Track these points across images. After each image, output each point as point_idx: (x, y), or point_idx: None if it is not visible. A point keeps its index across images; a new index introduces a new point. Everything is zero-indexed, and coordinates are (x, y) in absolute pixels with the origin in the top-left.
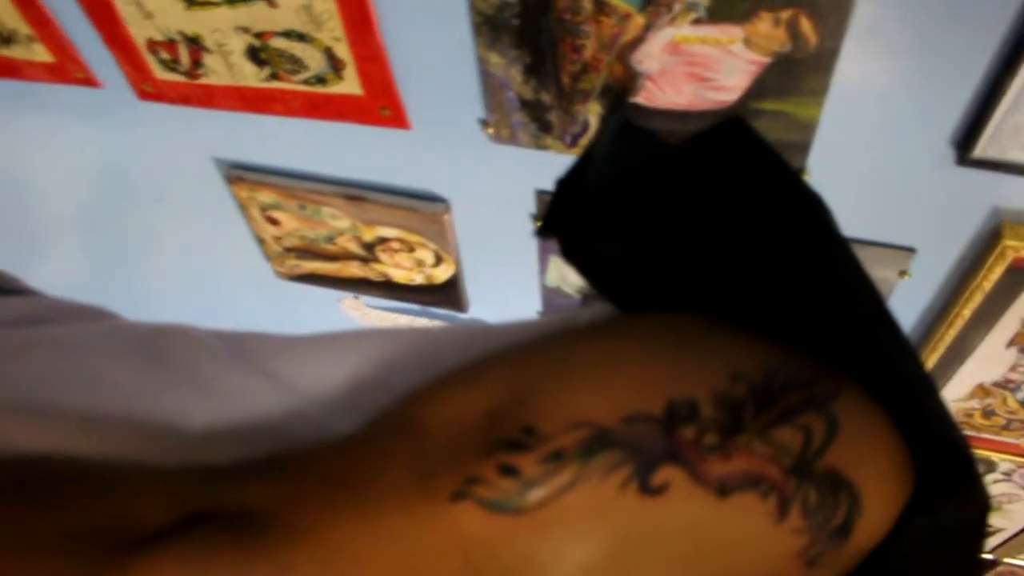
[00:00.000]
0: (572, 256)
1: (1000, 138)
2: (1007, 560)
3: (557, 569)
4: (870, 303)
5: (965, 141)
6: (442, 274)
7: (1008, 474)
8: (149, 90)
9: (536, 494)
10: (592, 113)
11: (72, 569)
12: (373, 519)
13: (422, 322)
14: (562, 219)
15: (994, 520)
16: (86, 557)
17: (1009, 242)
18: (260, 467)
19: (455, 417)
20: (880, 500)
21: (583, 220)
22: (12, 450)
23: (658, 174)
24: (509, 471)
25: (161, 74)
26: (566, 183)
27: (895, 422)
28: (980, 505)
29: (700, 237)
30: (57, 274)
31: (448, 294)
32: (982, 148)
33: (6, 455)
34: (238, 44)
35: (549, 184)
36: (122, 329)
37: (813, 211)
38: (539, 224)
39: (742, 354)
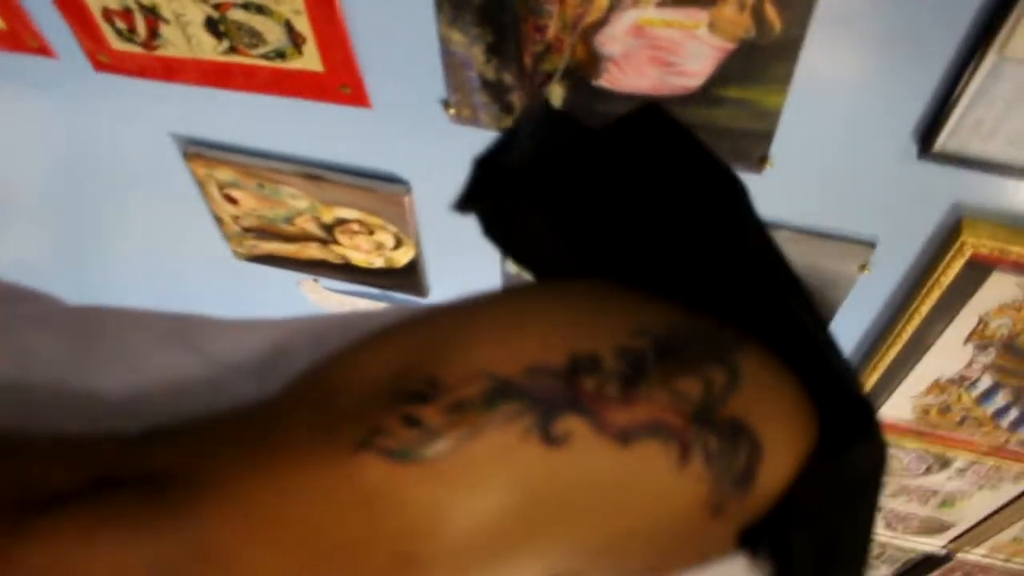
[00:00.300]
0: (491, 232)
1: (961, 132)
2: (960, 555)
3: (463, 519)
4: (777, 270)
5: (927, 134)
6: (402, 257)
7: (963, 470)
8: (105, 60)
9: (439, 444)
10: (554, 95)
11: None
12: (278, 473)
13: (379, 307)
14: (482, 196)
15: (948, 515)
16: None
17: (968, 238)
18: (171, 431)
19: (364, 374)
20: (782, 448)
21: (504, 197)
22: None
23: (579, 155)
24: (412, 421)
25: (117, 44)
26: (485, 162)
27: (799, 376)
28: (879, 453)
29: (616, 212)
30: (10, 248)
31: (408, 278)
32: (943, 142)
33: None
34: (196, 15)
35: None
36: (55, 310)
37: (725, 187)
38: (458, 199)
39: (647, 312)
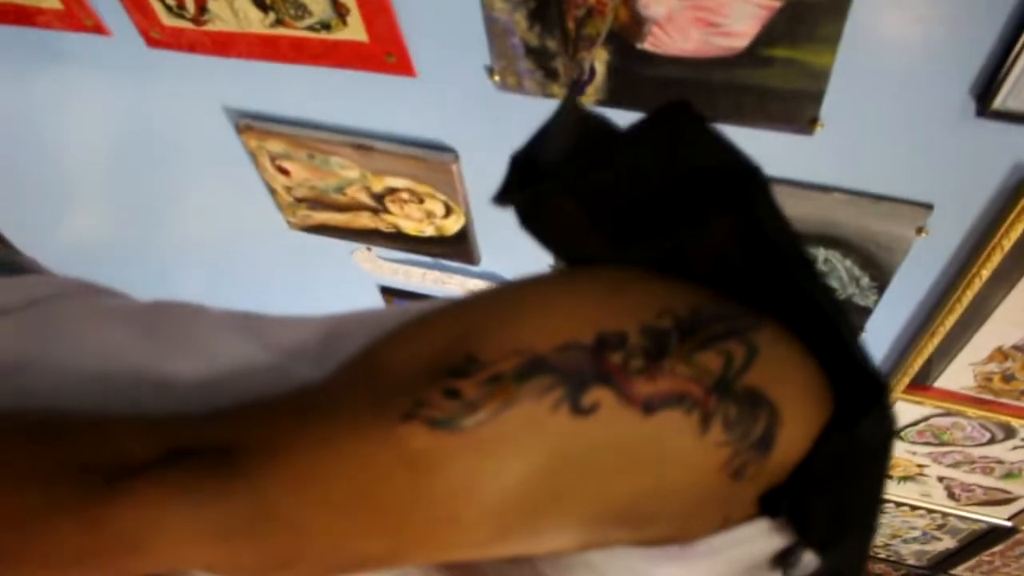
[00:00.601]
0: (528, 224)
1: (1022, 89)
2: None
3: (499, 482)
4: (793, 253)
5: (986, 92)
6: (453, 225)
7: None
8: (157, 36)
9: (477, 415)
10: (598, 60)
11: (70, 495)
12: (331, 442)
13: (434, 275)
14: (519, 191)
15: (1013, 487)
16: (82, 486)
17: None
18: (238, 408)
19: (409, 353)
20: (799, 416)
21: (540, 193)
22: (41, 398)
23: (608, 155)
24: (452, 394)
25: (168, 20)
26: (519, 159)
27: (815, 352)
28: (888, 425)
29: (643, 205)
30: (72, 223)
31: (459, 246)
32: (1003, 99)
33: (19, 407)
34: None
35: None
36: (130, 305)
37: (748, 179)
38: (496, 194)
39: (670, 294)
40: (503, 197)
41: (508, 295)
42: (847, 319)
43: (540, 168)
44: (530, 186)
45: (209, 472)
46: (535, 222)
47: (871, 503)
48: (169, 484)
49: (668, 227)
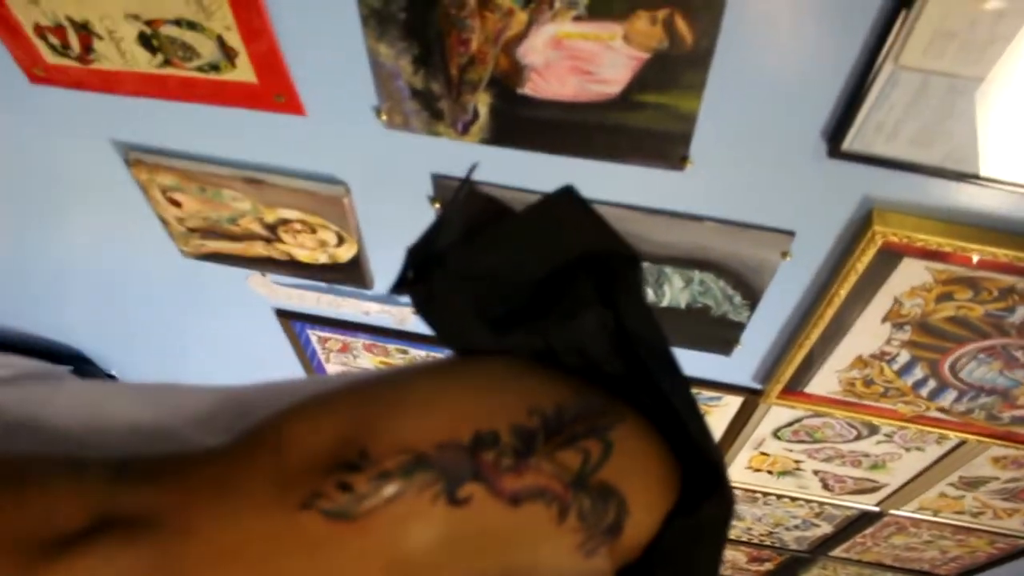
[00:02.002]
0: (423, 313)
1: (866, 133)
2: (891, 512)
3: (387, 562)
4: (653, 345)
5: (835, 135)
6: (345, 253)
7: (889, 435)
8: (40, 74)
9: (366, 505)
10: (481, 103)
11: (9, 567)
12: (240, 523)
13: (328, 298)
14: (412, 283)
15: (879, 476)
16: (20, 556)
17: (879, 227)
18: (154, 469)
19: (310, 437)
20: (646, 505)
21: (430, 285)
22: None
23: (502, 236)
24: (345, 487)
25: (52, 59)
26: (416, 250)
27: (666, 443)
28: (726, 505)
29: (526, 290)
30: None
31: (352, 272)
32: (850, 142)
33: None
34: (129, 31)
35: (444, 168)
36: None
37: (623, 266)
38: (393, 285)
39: (541, 392)
40: (398, 288)
41: (400, 385)
42: (695, 409)
43: (435, 254)
44: (424, 276)
45: (131, 548)
46: (428, 312)
47: (711, 569)
48: (97, 557)
49: (540, 321)
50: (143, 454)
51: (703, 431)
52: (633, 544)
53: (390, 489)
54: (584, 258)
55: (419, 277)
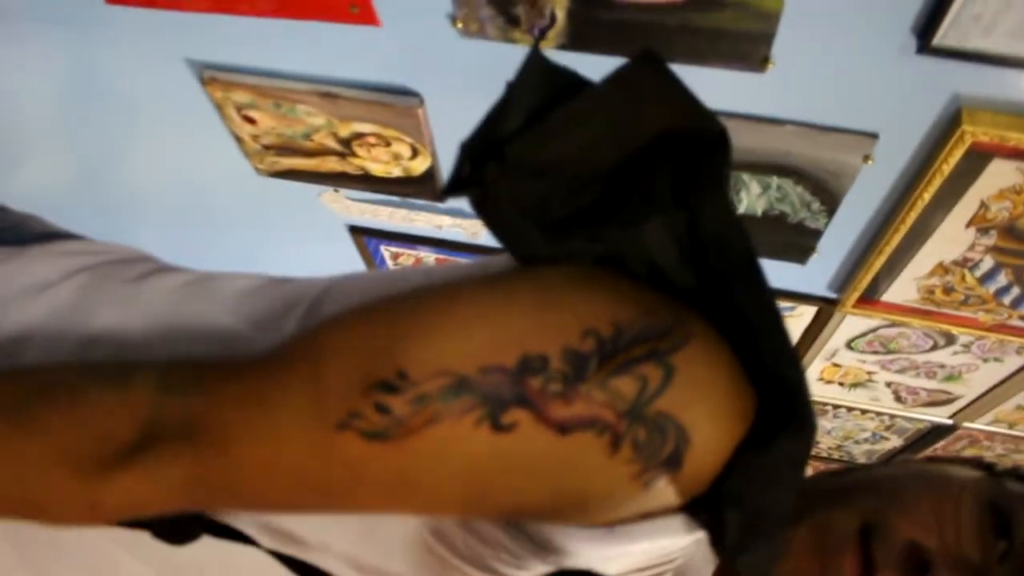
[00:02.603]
0: (480, 212)
1: (960, 26)
2: (965, 424)
3: (425, 488)
4: (738, 256)
5: (926, 29)
6: (419, 166)
7: (967, 346)
8: None
9: (404, 428)
10: (558, 6)
11: (70, 482)
12: (278, 439)
13: (402, 213)
14: (466, 183)
15: (954, 388)
16: (77, 472)
17: (967, 127)
18: (197, 377)
19: (348, 355)
20: (710, 436)
21: (494, 172)
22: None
23: (570, 117)
24: (383, 409)
25: None
26: (473, 143)
27: (739, 366)
28: (806, 438)
29: (598, 179)
30: (36, 179)
31: (426, 185)
32: (942, 36)
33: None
34: None
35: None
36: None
37: (715, 151)
38: (444, 187)
39: (599, 309)
40: (451, 189)
41: (444, 301)
42: (777, 326)
43: (493, 144)
44: (480, 172)
45: (176, 462)
46: (485, 214)
47: (783, 510)
48: (146, 472)
49: (603, 225)
50: (191, 357)
51: (783, 352)
52: (699, 476)
53: (429, 412)
54: (664, 139)
55: (475, 174)
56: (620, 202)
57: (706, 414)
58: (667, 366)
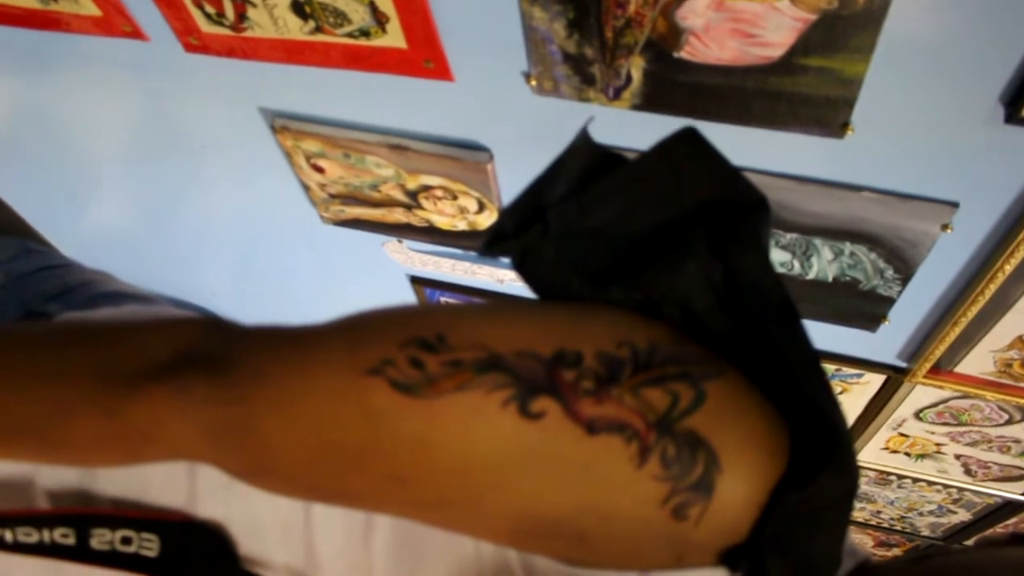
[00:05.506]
0: (521, 271)
1: None
2: None
3: (442, 456)
4: (771, 299)
5: (1015, 98)
6: (485, 221)
7: None
8: (195, 43)
9: (433, 387)
10: (635, 67)
11: (97, 391)
12: (308, 375)
13: (464, 265)
14: (505, 242)
15: None
16: (107, 383)
17: None
18: (245, 329)
19: (389, 317)
20: (742, 466)
21: (535, 233)
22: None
23: (611, 188)
24: (417, 363)
25: (206, 27)
26: (514, 209)
27: (772, 406)
28: (850, 479)
29: (635, 241)
30: (107, 220)
31: None
32: None
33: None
34: None
35: (593, 135)
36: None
37: (746, 213)
38: (483, 245)
39: (636, 329)
40: (491, 245)
41: (486, 306)
42: (815, 367)
43: (537, 210)
44: (522, 233)
45: (207, 381)
46: (524, 269)
47: (830, 556)
48: (174, 386)
49: (641, 273)
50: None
51: (822, 392)
52: (732, 514)
53: (460, 378)
54: (703, 208)
55: (516, 234)
56: (658, 255)
57: (737, 443)
58: (699, 390)
